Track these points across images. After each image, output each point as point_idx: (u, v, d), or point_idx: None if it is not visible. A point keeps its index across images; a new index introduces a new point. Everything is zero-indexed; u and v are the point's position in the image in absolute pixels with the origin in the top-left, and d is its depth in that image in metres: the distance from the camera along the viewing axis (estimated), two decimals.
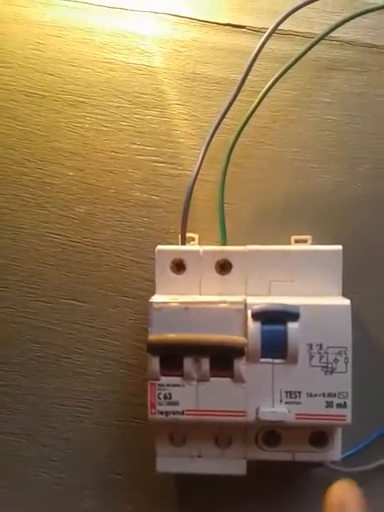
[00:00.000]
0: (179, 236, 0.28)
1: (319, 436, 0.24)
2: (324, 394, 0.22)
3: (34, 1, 0.31)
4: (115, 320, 0.30)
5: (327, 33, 0.28)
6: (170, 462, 0.24)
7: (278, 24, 0.28)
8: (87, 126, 0.31)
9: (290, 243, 0.29)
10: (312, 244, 0.29)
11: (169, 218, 0.30)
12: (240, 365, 0.22)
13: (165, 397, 0.22)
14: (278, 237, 0.29)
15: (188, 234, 0.28)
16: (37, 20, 0.31)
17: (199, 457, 0.24)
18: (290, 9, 0.28)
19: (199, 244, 0.29)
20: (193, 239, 0.29)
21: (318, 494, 0.22)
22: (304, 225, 0.30)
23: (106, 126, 0.31)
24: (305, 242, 0.29)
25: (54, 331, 0.31)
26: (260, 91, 0.28)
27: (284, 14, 0.28)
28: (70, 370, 0.30)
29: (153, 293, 0.29)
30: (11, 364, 0.31)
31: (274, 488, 0.27)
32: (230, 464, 0.24)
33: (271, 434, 0.24)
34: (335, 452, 0.24)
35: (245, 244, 0.29)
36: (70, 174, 0.31)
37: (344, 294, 0.25)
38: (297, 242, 0.29)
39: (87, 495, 0.30)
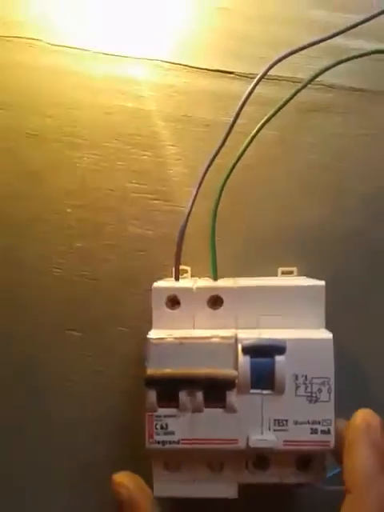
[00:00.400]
0: (173, 270, 0.30)
1: (305, 459, 0.25)
2: (309, 422, 0.24)
3: (33, 46, 0.33)
4: (113, 349, 0.32)
5: (313, 78, 0.30)
6: (167, 487, 0.25)
7: (266, 72, 0.30)
8: (85, 165, 0.32)
9: (276, 274, 0.31)
10: (297, 275, 0.31)
11: (163, 251, 0.32)
12: (231, 396, 0.24)
13: (161, 427, 0.24)
14: (266, 268, 0.31)
15: (181, 267, 0.30)
16: (36, 65, 0.33)
17: (194, 481, 0.25)
18: (276, 57, 0.30)
19: (192, 276, 0.31)
20: (186, 271, 0.31)
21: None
22: (290, 257, 0.32)
23: (102, 166, 0.32)
24: (291, 273, 0.31)
25: (53, 360, 0.32)
26: (247, 132, 0.30)
27: (272, 61, 0.30)
28: (68, 398, 0.32)
29: (148, 322, 0.30)
30: (12, 389, 0.32)
31: (264, 509, 0.29)
32: (223, 488, 0.25)
33: (260, 458, 0.25)
34: (321, 474, 0.26)
35: (234, 276, 0.31)
36: (69, 210, 0.32)
37: (328, 325, 0.26)
38: (283, 273, 0.31)
39: None
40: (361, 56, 0.30)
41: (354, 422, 0.23)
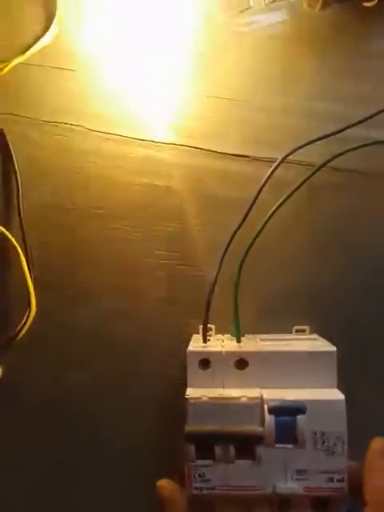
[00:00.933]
0: (200, 329, 0.34)
1: (322, 501, 0.29)
2: (326, 471, 0.28)
3: (75, 132, 0.37)
4: (144, 395, 0.36)
5: (325, 163, 0.35)
6: None
7: (284, 159, 0.34)
8: (120, 236, 0.37)
9: (291, 331, 0.35)
10: (309, 333, 0.35)
11: (189, 312, 0.36)
12: (259, 450, 0.28)
13: (199, 475, 0.28)
14: (282, 325, 0.35)
15: None
16: (78, 148, 0.37)
17: None
18: (293, 145, 0.34)
19: (216, 333, 0.35)
20: (210, 329, 0.35)
21: None
22: (303, 315, 0.36)
23: (135, 236, 0.37)
24: (304, 331, 0.35)
25: (94, 409, 0.36)
26: (262, 205, 0.34)
27: (290, 150, 0.34)
28: (110, 443, 0.36)
29: (177, 372, 0.35)
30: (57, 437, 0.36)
31: None
32: None
33: (284, 501, 0.29)
34: None
35: (254, 331, 0.35)
36: (108, 275, 0.37)
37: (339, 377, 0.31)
38: (297, 331, 0.35)
39: None
40: (365, 145, 0.35)
41: (373, 447, 0.28)
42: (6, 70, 0.37)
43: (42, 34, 0.37)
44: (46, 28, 0.37)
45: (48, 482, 0.36)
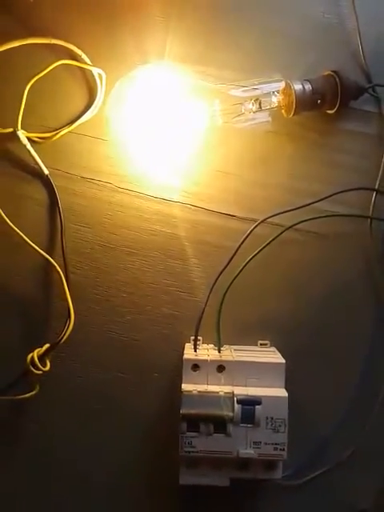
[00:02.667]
0: (191, 339, 0.48)
1: (270, 464, 0.44)
2: (273, 443, 0.42)
3: (106, 187, 0.50)
4: (148, 385, 0.49)
5: (291, 226, 0.48)
6: (188, 477, 0.43)
7: (260, 222, 0.48)
8: (136, 267, 0.50)
9: (256, 344, 0.49)
10: (270, 346, 0.49)
11: (184, 325, 0.49)
12: (230, 427, 0.42)
13: (188, 443, 0.42)
14: (250, 339, 0.49)
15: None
16: (107, 200, 0.50)
17: (204, 475, 0.43)
18: (269, 211, 0.47)
19: (203, 343, 0.49)
20: (200, 339, 0.49)
21: (269, 496, 0.43)
22: (266, 332, 0.49)
23: (147, 268, 0.50)
24: (266, 344, 0.49)
25: (108, 393, 0.49)
26: (241, 253, 0.47)
27: (265, 217, 0.47)
28: (119, 422, 0.49)
29: (172, 370, 0.48)
30: (79, 411, 0.49)
31: (243, 493, 0.47)
32: (221, 479, 0.43)
33: (244, 463, 0.43)
34: (278, 473, 0.44)
35: (231, 343, 0.48)
36: (124, 295, 0.50)
37: (288, 377, 0.44)
38: (261, 344, 0.49)
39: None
40: (328, 216, 0.48)
41: None
42: (57, 137, 0.49)
43: (85, 110, 0.50)
44: (88, 106, 0.50)
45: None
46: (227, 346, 0.48)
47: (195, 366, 0.44)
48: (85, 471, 0.49)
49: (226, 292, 0.47)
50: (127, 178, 0.50)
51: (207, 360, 0.44)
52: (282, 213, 0.47)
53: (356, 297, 0.50)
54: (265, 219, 0.48)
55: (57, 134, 0.49)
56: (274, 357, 0.46)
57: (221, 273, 0.48)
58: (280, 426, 0.42)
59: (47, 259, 0.48)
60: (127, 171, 0.50)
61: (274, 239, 0.48)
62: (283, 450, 0.42)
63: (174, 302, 0.50)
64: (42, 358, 0.45)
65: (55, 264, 0.48)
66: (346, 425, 0.49)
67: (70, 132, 0.49)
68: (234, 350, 0.47)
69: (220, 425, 0.42)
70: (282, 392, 0.43)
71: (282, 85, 0.47)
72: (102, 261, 0.50)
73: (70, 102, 0.50)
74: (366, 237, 0.50)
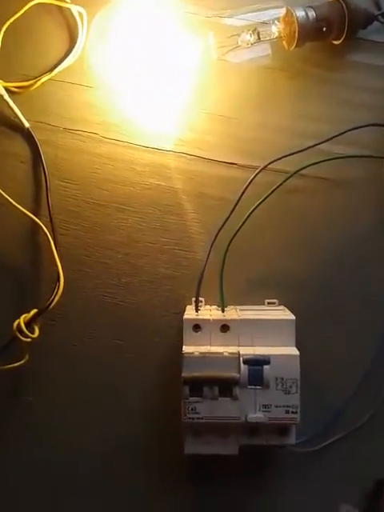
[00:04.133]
0: (193, 300, 0.44)
1: (282, 429, 0.40)
2: (284, 406, 0.38)
3: (92, 139, 0.46)
4: (148, 352, 0.46)
5: (297, 171, 0.44)
6: (193, 447, 0.40)
7: (263, 168, 0.43)
8: (130, 225, 0.46)
9: (264, 303, 0.45)
10: (278, 305, 0.45)
11: (185, 286, 0.46)
12: (236, 390, 0.38)
13: (191, 409, 0.38)
14: (256, 299, 0.45)
15: None
16: (94, 152, 0.46)
17: (210, 444, 0.40)
18: (272, 156, 0.43)
19: (205, 304, 0.45)
20: (201, 301, 0.45)
21: (282, 465, 0.39)
22: (273, 291, 0.46)
23: (142, 226, 0.46)
24: (274, 303, 0.45)
25: (103, 361, 0.46)
26: (245, 205, 0.43)
27: (268, 161, 0.43)
28: (115, 388, 0.46)
29: (174, 335, 0.45)
30: (73, 380, 0.46)
31: (255, 463, 0.44)
32: (229, 448, 0.40)
33: (254, 428, 0.40)
34: (291, 438, 0.40)
35: (235, 304, 0.45)
36: (119, 256, 0.46)
37: (298, 336, 0.40)
38: (268, 303, 0.45)
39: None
40: (334, 159, 0.44)
41: None
42: (36, 85, 0.45)
43: (65, 55, 0.45)
44: (69, 50, 0.45)
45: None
46: (232, 306, 0.44)
47: (196, 327, 0.41)
48: (83, 445, 0.45)
49: (228, 248, 0.43)
50: (115, 127, 0.45)
51: (209, 319, 0.41)
52: (286, 156, 0.43)
53: (371, 249, 0.46)
54: (267, 165, 0.43)
55: (36, 82, 0.45)
56: (282, 314, 0.42)
57: (221, 227, 0.43)
58: (291, 386, 0.38)
59: (33, 220, 0.44)
60: (115, 119, 0.45)
61: (278, 187, 0.43)
62: (296, 412, 0.38)
63: (173, 262, 0.46)
64: (29, 324, 0.41)
65: (42, 225, 0.44)
66: (363, 388, 0.45)
67: (50, 80, 0.45)
68: (240, 309, 0.43)
69: (225, 388, 0.38)
70: (293, 350, 0.39)
71: (283, 12, 0.42)
72: (92, 219, 0.46)
73: (49, 46, 0.45)
74: (381, 181, 0.45)
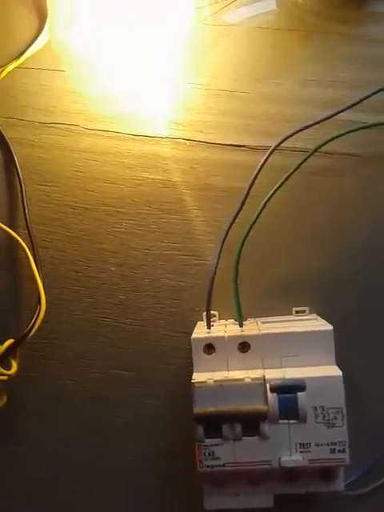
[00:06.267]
0: (203, 315, 0.36)
1: (327, 472, 0.31)
2: (328, 443, 0.30)
3: (72, 131, 0.39)
4: (156, 383, 0.38)
5: (318, 147, 0.35)
6: (215, 500, 0.31)
7: (278, 145, 0.35)
8: (123, 230, 0.38)
9: (291, 313, 0.37)
10: (309, 313, 0.36)
11: (194, 298, 0.38)
12: (264, 426, 0.30)
13: (209, 454, 0.30)
14: (282, 308, 0.37)
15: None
16: (75, 147, 0.38)
17: (237, 495, 0.31)
18: (287, 132, 0.35)
19: (219, 319, 0.37)
20: (214, 315, 0.37)
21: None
22: (302, 297, 0.37)
23: (138, 230, 0.38)
24: (303, 312, 0.37)
25: (105, 397, 0.38)
26: (258, 195, 0.35)
27: (283, 136, 0.35)
28: (121, 429, 0.38)
29: (185, 360, 0.37)
30: (71, 422, 0.38)
31: None
32: (261, 499, 0.31)
33: (290, 473, 0.31)
34: (339, 484, 0.31)
35: (255, 315, 0.36)
36: (113, 269, 0.38)
37: (337, 353, 0.32)
38: (297, 312, 0.37)
39: None
40: (359, 129, 0.36)
41: None
42: (2, 76, 0.38)
43: (34, 38, 0.39)
44: (38, 32, 0.39)
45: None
46: (252, 320, 0.36)
47: (209, 347, 0.32)
48: (82, 496, 0.37)
49: (242, 248, 0.35)
50: (98, 115, 0.38)
51: (224, 337, 0.32)
52: (302, 130, 0.35)
53: None
54: (280, 143, 0.35)
55: (1, 72, 0.38)
56: (316, 324, 0.33)
57: (232, 223, 0.35)
58: (335, 417, 0.30)
59: (7, 233, 0.37)
60: (97, 107, 0.38)
61: (296, 168, 0.35)
62: (343, 450, 0.30)
63: (177, 270, 0.38)
64: (4, 358, 0.34)
65: (18, 238, 0.37)
66: None
67: (18, 68, 0.38)
68: (261, 322, 0.35)
69: (250, 424, 0.30)
70: (334, 370, 0.31)
71: None
72: (77, 227, 0.38)
73: (14, 29, 0.39)
74: None
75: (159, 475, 0.37)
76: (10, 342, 0.34)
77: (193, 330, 0.35)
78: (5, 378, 0.33)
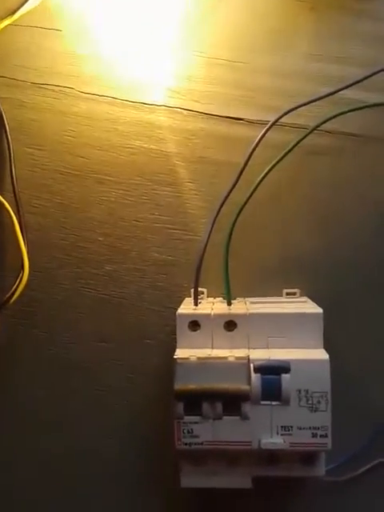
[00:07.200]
0: (191, 292, 0.35)
1: (308, 456, 0.31)
2: (310, 427, 0.29)
3: (66, 94, 0.37)
4: (138, 358, 0.37)
5: (318, 125, 0.34)
6: (192, 479, 0.31)
7: (277, 120, 0.34)
8: (113, 199, 0.37)
9: (281, 294, 0.36)
10: (299, 296, 0.35)
11: (182, 274, 0.37)
12: (246, 407, 0.29)
13: (188, 432, 0.29)
14: (272, 289, 0.36)
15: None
16: (68, 111, 0.37)
17: (215, 475, 0.31)
18: (288, 108, 0.34)
19: (207, 296, 0.36)
20: (202, 292, 0.36)
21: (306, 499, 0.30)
22: (293, 279, 0.36)
23: (128, 200, 0.37)
24: (294, 294, 0.36)
25: (86, 368, 0.37)
26: (254, 171, 0.34)
27: (283, 111, 0.34)
28: (99, 403, 0.37)
29: (169, 335, 0.36)
30: (48, 395, 0.37)
31: (272, 498, 0.34)
32: (239, 480, 0.31)
33: (271, 455, 0.30)
34: (320, 468, 0.31)
35: (245, 295, 0.35)
36: (100, 239, 0.37)
37: (325, 335, 0.31)
38: (288, 294, 0.36)
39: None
40: (362, 108, 0.34)
41: None
42: None
43: None
44: None
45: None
46: (240, 299, 0.35)
47: (194, 324, 0.31)
48: (60, 471, 0.37)
49: (235, 225, 0.34)
50: (93, 78, 0.37)
51: (210, 314, 0.31)
52: (302, 106, 0.34)
53: None
54: (279, 118, 0.34)
55: None
56: (306, 306, 0.32)
57: (225, 199, 0.34)
58: (319, 402, 0.29)
59: None
60: (92, 69, 0.37)
61: (295, 145, 0.34)
62: (326, 435, 0.29)
63: (167, 244, 0.37)
64: None
65: (4, 201, 0.36)
66: None
67: (11, 25, 0.36)
68: (250, 302, 0.34)
69: (232, 404, 0.29)
70: (321, 353, 0.30)
71: None
72: (66, 194, 0.37)
73: None
74: None
75: (136, 451, 0.36)
76: None
77: (179, 305, 0.34)
78: None
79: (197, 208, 0.37)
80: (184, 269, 0.37)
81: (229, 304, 0.33)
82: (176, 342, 0.32)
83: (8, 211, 0.36)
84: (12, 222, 0.35)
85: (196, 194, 0.37)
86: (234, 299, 0.35)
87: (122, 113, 0.37)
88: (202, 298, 0.35)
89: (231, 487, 0.31)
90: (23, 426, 0.37)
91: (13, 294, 0.33)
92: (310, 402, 0.29)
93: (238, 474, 0.31)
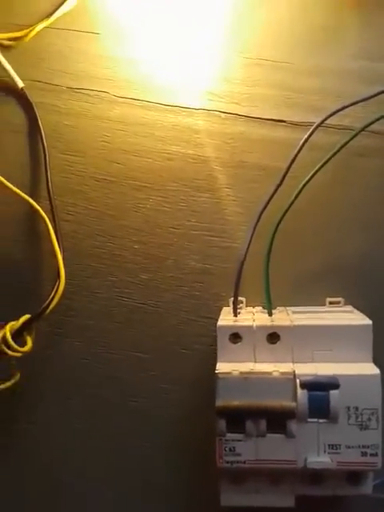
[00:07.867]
0: (230, 302, 0.34)
1: (354, 475, 0.29)
2: (359, 446, 0.28)
3: (102, 99, 0.36)
4: (174, 368, 0.36)
5: (366, 126, 0.33)
6: (232, 497, 0.29)
7: (323, 121, 0.33)
8: (149, 206, 0.36)
9: (324, 303, 0.34)
10: (344, 305, 0.34)
11: (220, 283, 0.36)
12: (291, 424, 0.28)
13: (230, 450, 0.28)
14: (314, 298, 0.34)
15: None
16: (104, 116, 0.36)
17: (256, 493, 0.29)
18: (335, 108, 0.33)
19: (246, 306, 0.35)
20: (241, 301, 0.35)
21: None
22: (337, 287, 0.35)
23: (165, 207, 0.36)
24: (338, 303, 0.34)
25: (121, 379, 0.36)
26: (297, 175, 0.33)
27: (328, 113, 0.32)
28: (135, 413, 0.36)
29: (206, 346, 0.35)
30: (83, 402, 0.36)
31: None
32: (282, 498, 0.29)
33: (315, 474, 0.29)
34: (367, 487, 0.29)
35: (286, 304, 0.34)
36: (136, 246, 0.36)
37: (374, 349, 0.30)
38: (331, 303, 0.34)
39: None
40: None
41: None
42: (31, 36, 0.36)
43: None
44: None
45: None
46: (282, 308, 0.34)
47: (235, 337, 0.30)
48: (94, 487, 0.36)
49: (276, 232, 0.33)
50: (129, 82, 0.36)
51: (252, 326, 0.30)
52: (349, 106, 0.32)
53: None
54: (324, 120, 0.32)
55: (30, 31, 0.36)
56: (352, 317, 0.31)
57: (266, 205, 0.33)
58: (370, 419, 0.27)
59: (29, 203, 0.35)
60: (129, 73, 0.36)
61: (340, 148, 0.33)
62: (376, 454, 0.28)
63: (204, 252, 0.36)
64: (19, 334, 0.32)
65: (40, 209, 0.35)
66: None
67: (47, 28, 0.36)
68: (292, 312, 0.33)
69: (276, 421, 0.28)
70: (371, 368, 0.28)
71: None
72: (101, 201, 0.36)
73: None
74: None
75: (171, 466, 0.35)
76: (26, 317, 0.32)
77: (217, 315, 0.33)
78: (19, 354, 0.32)
79: (235, 214, 0.35)
80: (222, 277, 0.35)
81: (270, 314, 0.32)
82: (213, 353, 0.31)
83: (43, 219, 0.35)
84: (48, 229, 0.35)
85: (234, 200, 0.35)
86: (275, 309, 0.33)
87: (159, 117, 0.36)
88: (240, 308, 0.34)
89: (273, 506, 0.29)
90: (55, 436, 0.36)
91: (49, 303, 0.33)
92: (359, 419, 0.27)
93: (281, 492, 0.29)
